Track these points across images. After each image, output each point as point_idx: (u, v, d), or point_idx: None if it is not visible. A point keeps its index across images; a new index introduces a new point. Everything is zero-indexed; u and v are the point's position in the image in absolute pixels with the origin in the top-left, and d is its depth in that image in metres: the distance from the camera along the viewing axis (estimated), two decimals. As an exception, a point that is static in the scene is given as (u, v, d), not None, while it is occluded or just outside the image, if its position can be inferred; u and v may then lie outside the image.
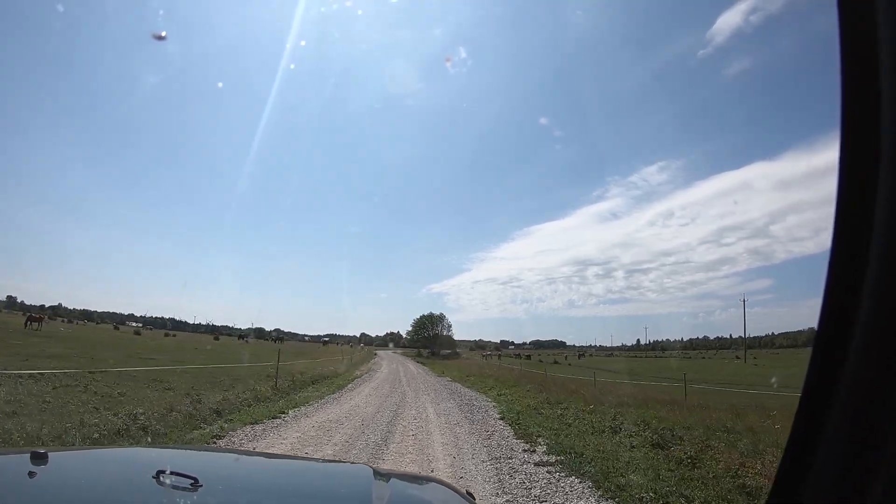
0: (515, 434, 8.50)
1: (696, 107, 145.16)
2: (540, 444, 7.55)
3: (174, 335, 68.64)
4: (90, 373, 12.61)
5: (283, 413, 10.21)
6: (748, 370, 43.98)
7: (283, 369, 19.75)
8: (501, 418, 10.33)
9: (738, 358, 77.45)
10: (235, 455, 2.86)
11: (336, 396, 14.12)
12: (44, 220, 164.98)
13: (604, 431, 9.04)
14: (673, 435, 8.26)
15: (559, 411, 11.93)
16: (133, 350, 24.68)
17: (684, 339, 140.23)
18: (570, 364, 55.82)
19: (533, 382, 21.72)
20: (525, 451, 7.10)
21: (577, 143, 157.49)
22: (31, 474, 1.20)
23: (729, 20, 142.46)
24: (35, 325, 32.54)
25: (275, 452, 6.09)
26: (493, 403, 13.77)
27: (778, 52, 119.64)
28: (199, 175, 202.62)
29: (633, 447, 7.42)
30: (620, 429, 9.02)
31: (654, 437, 7.88)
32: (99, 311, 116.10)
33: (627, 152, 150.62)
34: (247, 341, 73.91)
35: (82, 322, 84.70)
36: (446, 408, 12.06)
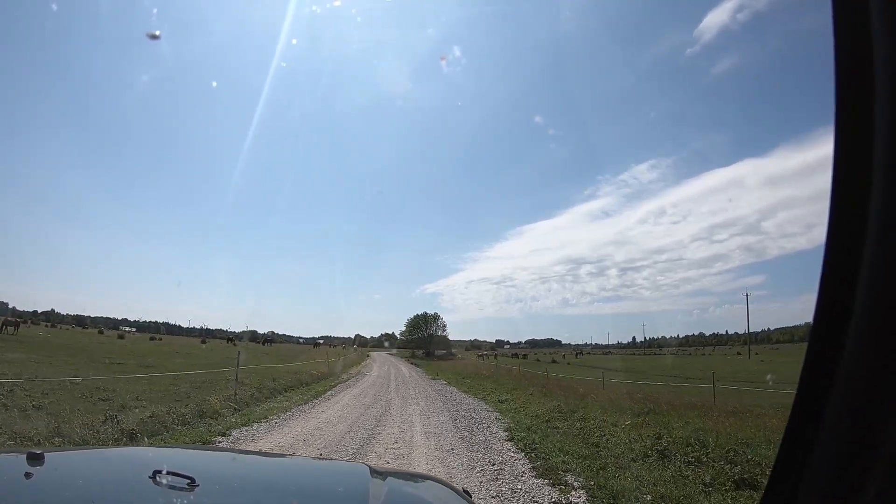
0: (533, 467, 6.11)
1: (685, 105, 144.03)
2: (574, 488, 5.14)
3: (160, 339, 67.09)
4: (27, 380, 10.80)
5: (225, 434, 7.85)
6: (756, 367, 42.14)
7: (259, 374, 17.44)
8: (509, 438, 7.94)
9: (739, 354, 76.11)
10: (232, 454, 2.63)
11: (307, 408, 11.70)
12: (37, 224, 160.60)
13: (648, 455, 6.74)
14: (748, 461, 5.98)
15: (577, 424, 9.62)
16: (103, 355, 22.94)
17: (680, 336, 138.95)
18: (568, 363, 53.49)
19: (535, 385, 19.61)
20: (555, 503, 4.71)
21: (568, 142, 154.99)
22: (27, 475, 1.18)
23: (716, 18, 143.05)
24: (11, 329, 31.54)
25: (272, 451, 5.79)
26: (496, 414, 11.43)
27: (766, 50, 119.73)
28: (193, 177, 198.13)
29: (709, 486, 5.09)
30: (670, 452, 6.73)
31: (730, 469, 5.56)
32: (93, 316, 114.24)
33: (618, 151, 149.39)
34: (235, 344, 72.73)
35: (69, 327, 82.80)
36: (438, 423, 9.66)
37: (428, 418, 10.20)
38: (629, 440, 7.71)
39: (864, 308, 0.69)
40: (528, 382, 21.17)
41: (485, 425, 9.33)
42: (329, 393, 15.20)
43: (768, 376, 23.56)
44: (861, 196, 0.70)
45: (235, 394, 11.89)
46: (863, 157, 0.70)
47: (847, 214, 0.73)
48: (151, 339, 67.18)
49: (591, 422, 9.95)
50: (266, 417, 9.87)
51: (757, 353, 68.23)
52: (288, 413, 10.65)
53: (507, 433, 8.35)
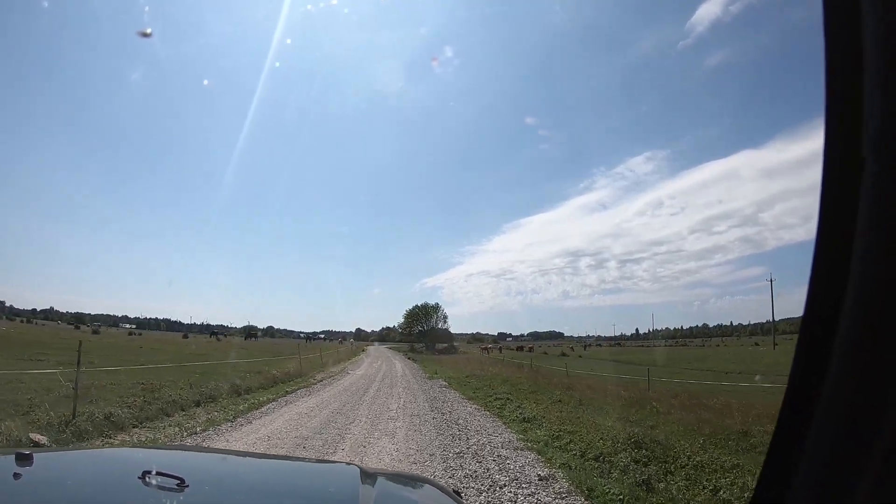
0: None
1: (679, 97, 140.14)
2: None
3: (139, 334, 65.21)
4: None
5: None
6: (787, 358, 37.60)
7: (204, 375, 12.73)
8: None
9: (757, 345, 71.85)
10: (222, 455, 2.50)
11: (216, 433, 6.76)
12: (36, 225, 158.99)
13: None
14: None
15: (703, 488, 4.71)
16: (41, 351, 18.62)
17: (683, 328, 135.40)
18: (580, 356, 48.68)
19: (557, 386, 14.94)
20: None
21: (562, 136, 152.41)
22: (16, 475, 1.15)
23: (708, 11, 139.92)
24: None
25: (262, 452, 5.69)
26: (533, 455, 6.46)
27: (758, 42, 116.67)
28: (193, 176, 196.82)
29: None
30: None
31: None
32: (93, 313, 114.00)
33: (612, 144, 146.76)
34: (219, 339, 70.93)
35: (56, 322, 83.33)
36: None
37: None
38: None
39: (855, 302, 0.68)
40: (546, 382, 16.38)
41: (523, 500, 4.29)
42: (269, 406, 10.22)
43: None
44: (851, 189, 0.69)
45: (73, 415, 6.89)
46: (852, 150, 0.69)
47: (837, 208, 0.72)
48: (130, 334, 65.20)
49: (725, 477, 5.07)
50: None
51: (778, 344, 63.68)
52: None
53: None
